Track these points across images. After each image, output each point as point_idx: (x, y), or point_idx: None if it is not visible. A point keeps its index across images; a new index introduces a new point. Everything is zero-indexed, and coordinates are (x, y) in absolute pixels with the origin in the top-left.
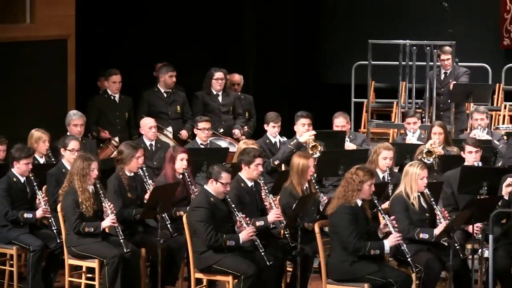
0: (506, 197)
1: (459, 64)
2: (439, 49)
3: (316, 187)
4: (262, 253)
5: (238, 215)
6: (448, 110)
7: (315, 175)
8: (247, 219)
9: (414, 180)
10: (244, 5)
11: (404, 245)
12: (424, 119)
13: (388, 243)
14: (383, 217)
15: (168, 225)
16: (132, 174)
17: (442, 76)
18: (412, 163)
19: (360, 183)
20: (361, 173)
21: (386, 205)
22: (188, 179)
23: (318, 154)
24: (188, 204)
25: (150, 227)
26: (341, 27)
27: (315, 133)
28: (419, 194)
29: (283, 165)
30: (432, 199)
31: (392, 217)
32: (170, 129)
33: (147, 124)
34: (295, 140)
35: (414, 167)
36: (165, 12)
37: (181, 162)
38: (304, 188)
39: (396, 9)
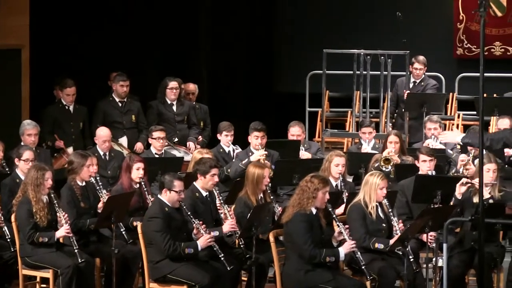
0: (459, 197)
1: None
2: (414, 58)
3: (271, 197)
4: (222, 258)
5: (195, 222)
6: (412, 119)
7: (269, 185)
8: (204, 226)
9: (373, 190)
10: (199, 15)
11: (359, 253)
12: (382, 127)
13: (343, 251)
14: (337, 225)
15: (123, 232)
16: (84, 183)
17: (411, 85)
18: (372, 173)
19: (315, 191)
20: (316, 181)
21: (340, 209)
22: (145, 188)
23: None
24: (144, 213)
25: (104, 237)
26: (295, 36)
27: (266, 153)
28: (378, 204)
29: None
30: (390, 210)
31: (347, 226)
32: (124, 139)
33: (102, 137)
34: (246, 160)
35: (374, 177)
36: (121, 21)
37: (137, 172)
38: (259, 198)
39: (350, 18)
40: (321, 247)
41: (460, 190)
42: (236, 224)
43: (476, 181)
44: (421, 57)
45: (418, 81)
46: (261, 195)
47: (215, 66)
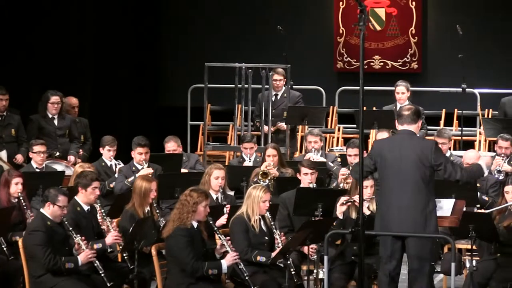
0: (341, 216)
1: (294, 87)
2: (273, 70)
3: (157, 211)
4: (102, 275)
5: (76, 238)
6: (279, 132)
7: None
8: (85, 241)
9: (256, 203)
10: (82, 27)
11: (242, 264)
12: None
13: (225, 263)
14: (219, 237)
15: (5, 249)
16: None
17: (273, 98)
18: (255, 186)
19: (194, 205)
20: (195, 194)
21: (222, 220)
22: (24, 203)
23: None
24: (24, 228)
25: None
26: (177, 50)
27: (152, 171)
28: (260, 217)
29: None
30: (272, 223)
31: (228, 238)
32: (4, 152)
33: None
34: (132, 177)
35: (257, 190)
36: (1, 34)
37: (16, 186)
38: (146, 211)
39: (231, 32)
40: (204, 260)
41: (340, 210)
42: (119, 236)
43: (355, 198)
44: (280, 69)
45: (280, 93)
46: (148, 208)
47: (97, 79)
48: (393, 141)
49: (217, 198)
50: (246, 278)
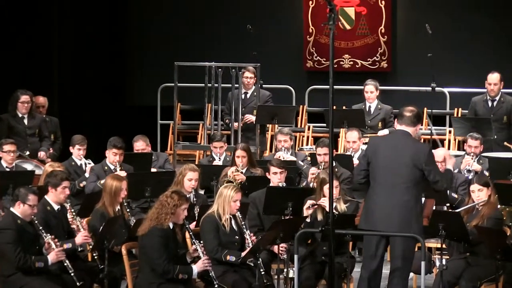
0: (308, 220)
1: (264, 86)
2: (244, 68)
3: (128, 210)
4: (72, 274)
5: (46, 237)
6: (249, 131)
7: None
8: (56, 240)
9: (227, 202)
10: (51, 26)
11: (213, 271)
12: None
13: (196, 268)
14: (193, 242)
15: None
16: None
17: (243, 96)
18: (226, 185)
19: (174, 207)
20: (176, 197)
21: (192, 226)
22: None
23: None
24: None
25: None
26: (146, 49)
27: (126, 174)
28: (231, 216)
29: None
30: (243, 223)
31: (202, 244)
32: None
33: None
34: (104, 180)
35: (228, 189)
36: None
37: None
38: (116, 210)
39: (202, 31)
40: (176, 262)
41: (307, 213)
42: (89, 235)
43: (321, 201)
44: (251, 67)
45: (250, 92)
46: (118, 207)
47: (66, 78)
48: (388, 140)
49: (189, 197)
50: (216, 285)
